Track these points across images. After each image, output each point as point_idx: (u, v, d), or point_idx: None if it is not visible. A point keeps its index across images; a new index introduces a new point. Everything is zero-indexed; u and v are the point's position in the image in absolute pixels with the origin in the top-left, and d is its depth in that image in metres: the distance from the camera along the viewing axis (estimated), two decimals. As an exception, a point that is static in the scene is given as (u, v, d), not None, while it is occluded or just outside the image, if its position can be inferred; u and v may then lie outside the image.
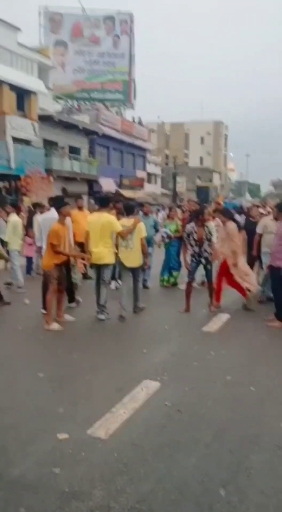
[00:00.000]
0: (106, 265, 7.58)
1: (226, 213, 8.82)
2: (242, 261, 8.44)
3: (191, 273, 8.30)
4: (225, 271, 8.34)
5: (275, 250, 7.35)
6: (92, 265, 7.77)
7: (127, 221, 7.71)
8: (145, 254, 7.91)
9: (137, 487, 3.01)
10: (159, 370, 5.16)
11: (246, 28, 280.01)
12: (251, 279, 8.42)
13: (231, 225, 8.28)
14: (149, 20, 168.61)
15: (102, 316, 7.50)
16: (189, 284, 8.28)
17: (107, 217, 7.51)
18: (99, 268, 7.63)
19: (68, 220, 7.64)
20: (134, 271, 7.92)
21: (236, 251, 8.17)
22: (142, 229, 7.71)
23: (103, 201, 8.18)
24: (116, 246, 7.68)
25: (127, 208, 8.30)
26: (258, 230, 8.98)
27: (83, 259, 7.84)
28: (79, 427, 3.82)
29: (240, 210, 17.61)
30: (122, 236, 7.49)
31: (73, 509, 2.80)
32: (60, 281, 7.32)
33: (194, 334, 6.73)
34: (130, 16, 42.37)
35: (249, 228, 9.55)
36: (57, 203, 7.69)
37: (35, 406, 4.25)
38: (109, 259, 7.56)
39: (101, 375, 5.08)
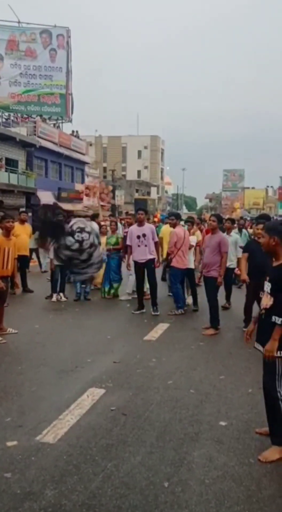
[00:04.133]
0: None
1: None
2: None
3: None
4: None
5: (209, 261, 7.78)
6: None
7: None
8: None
9: (87, 485, 3.19)
10: (104, 378, 5.35)
11: (180, 43, 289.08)
12: None
13: None
14: (85, 36, 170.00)
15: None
16: None
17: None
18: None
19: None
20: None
21: None
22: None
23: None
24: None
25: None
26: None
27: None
28: (28, 435, 3.94)
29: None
30: None
31: (27, 508, 2.94)
32: (1, 295, 7.34)
33: (136, 343, 6.98)
34: (67, 31, 42.58)
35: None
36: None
37: None
38: None
39: (47, 385, 5.20)
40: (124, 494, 3.10)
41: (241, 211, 43.32)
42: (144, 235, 8.98)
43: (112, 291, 10.80)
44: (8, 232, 7.31)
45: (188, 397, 4.86)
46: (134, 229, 9.23)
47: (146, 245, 8.97)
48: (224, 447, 3.78)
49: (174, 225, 9.39)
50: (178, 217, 9.92)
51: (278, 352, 3.53)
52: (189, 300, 9.76)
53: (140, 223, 9.14)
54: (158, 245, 9.43)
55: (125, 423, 4.20)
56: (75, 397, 4.74)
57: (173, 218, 9.57)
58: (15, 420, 4.24)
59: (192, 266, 9.47)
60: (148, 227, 9.22)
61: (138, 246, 8.96)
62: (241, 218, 20.72)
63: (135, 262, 9.12)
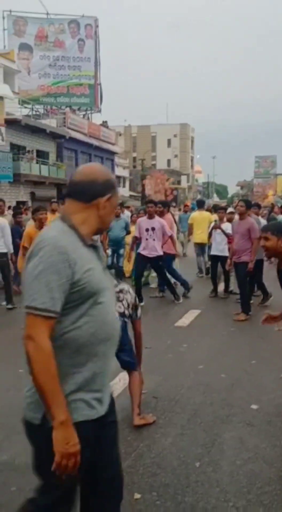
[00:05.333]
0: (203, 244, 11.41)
1: None
2: None
3: None
4: None
5: (239, 248, 7.72)
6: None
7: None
8: None
9: (119, 464, 3.26)
10: (135, 363, 5.41)
11: (207, 31, 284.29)
12: None
13: None
14: (113, 24, 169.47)
15: None
16: None
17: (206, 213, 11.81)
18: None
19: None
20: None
21: None
22: None
23: (200, 203, 12.62)
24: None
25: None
26: None
27: None
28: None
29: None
30: None
31: (61, 485, 3.03)
32: None
33: (167, 329, 7.02)
34: (95, 20, 42.57)
35: None
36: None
37: (18, 400, 4.44)
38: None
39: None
40: (156, 472, 3.16)
41: (274, 198, 42.68)
42: (153, 229, 8.64)
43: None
44: (41, 224, 7.37)
45: (218, 381, 4.88)
46: (143, 221, 8.88)
47: (154, 239, 8.64)
48: (255, 430, 3.79)
49: (161, 213, 9.23)
50: (165, 205, 9.95)
51: None
52: (221, 287, 9.72)
53: (150, 216, 8.78)
54: (172, 239, 9.16)
55: (156, 406, 4.26)
56: (107, 381, 4.82)
57: (160, 206, 9.39)
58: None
59: (227, 253, 9.19)
60: (158, 221, 8.76)
61: (147, 239, 8.67)
62: (272, 204, 20.44)
63: (141, 255, 8.82)
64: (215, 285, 9.50)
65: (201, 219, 11.47)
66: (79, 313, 1.81)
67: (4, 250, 8.19)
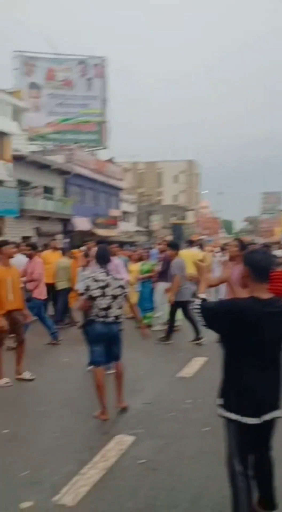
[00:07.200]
0: None
1: None
2: None
3: None
4: None
5: None
6: None
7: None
8: None
9: None
10: (134, 423, 4.86)
11: (217, 68, 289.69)
12: None
13: None
14: (123, 60, 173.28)
15: None
16: None
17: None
18: None
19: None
20: None
21: None
22: None
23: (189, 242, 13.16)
24: None
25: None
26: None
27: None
28: (45, 493, 3.50)
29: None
30: None
31: None
32: (15, 332, 6.55)
33: (170, 380, 6.46)
34: (103, 60, 43.40)
35: None
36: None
37: (-3, 469, 3.90)
38: None
39: (70, 430, 4.75)
40: None
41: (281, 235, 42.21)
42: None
43: (145, 321, 10.33)
44: (6, 259, 6.56)
45: (227, 448, 4.30)
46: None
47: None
48: None
49: (30, 256, 8.59)
50: (34, 247, 9.00)
51: None
52: None
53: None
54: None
55: (155, 481, 3.69)
56: (101, 446, 4.27)
57: (29, 248, 8.83)
58: (33, 474, 3.80)
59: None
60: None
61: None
62: (278, 242, 20.00)
63: None
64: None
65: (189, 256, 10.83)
66: None
67: None
